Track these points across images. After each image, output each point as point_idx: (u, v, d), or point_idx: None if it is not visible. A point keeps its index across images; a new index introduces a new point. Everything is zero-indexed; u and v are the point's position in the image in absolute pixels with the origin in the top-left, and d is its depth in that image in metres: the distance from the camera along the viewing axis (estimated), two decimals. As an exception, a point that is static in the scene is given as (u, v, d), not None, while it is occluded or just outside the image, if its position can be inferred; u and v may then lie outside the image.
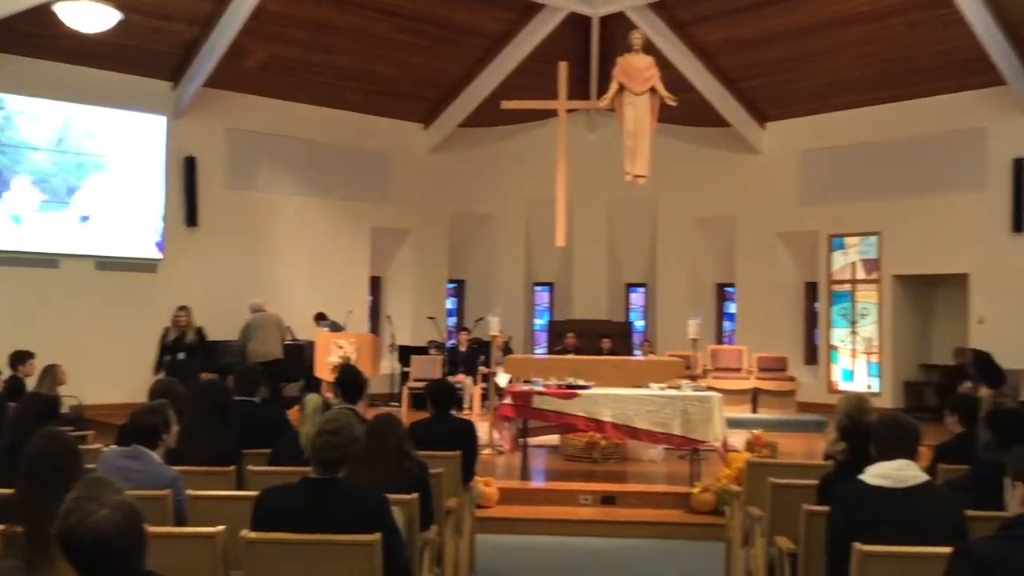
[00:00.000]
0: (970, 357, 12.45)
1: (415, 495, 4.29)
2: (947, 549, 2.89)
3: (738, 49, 14.48)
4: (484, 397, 12.61)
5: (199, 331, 11.23)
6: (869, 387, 13.89)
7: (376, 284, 16.33)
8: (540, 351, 16.72)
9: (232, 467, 5.00)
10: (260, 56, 13.72)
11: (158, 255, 13.54)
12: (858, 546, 3.43)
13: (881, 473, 3.67)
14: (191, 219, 13.80)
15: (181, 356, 10.88)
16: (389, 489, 3.99)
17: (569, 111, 12.55)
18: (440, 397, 6.19)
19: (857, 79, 14.07)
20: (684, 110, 13.20)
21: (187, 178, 13.77)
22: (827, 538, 3.79)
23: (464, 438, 6.01)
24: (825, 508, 3.99)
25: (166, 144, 13.59)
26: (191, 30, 12.81)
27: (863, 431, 4.26)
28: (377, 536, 3.47)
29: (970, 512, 3.74)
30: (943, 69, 13.24)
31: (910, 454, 3.76)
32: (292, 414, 5.94)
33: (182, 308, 11.23)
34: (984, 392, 11.91)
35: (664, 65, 12.87)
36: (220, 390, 5.66)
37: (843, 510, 3.70)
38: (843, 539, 3.55)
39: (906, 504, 3.59)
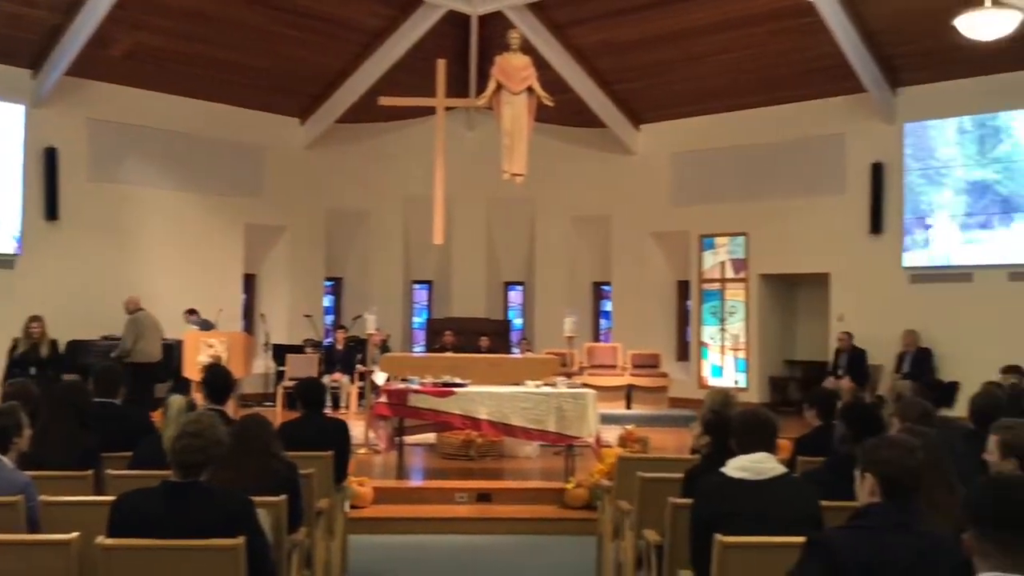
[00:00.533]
0: (847, 347, 13.08)
1: (283, 497, 4.20)
2: (802, 539, 3.00)
3: (613, 51, 14.74)
4: (361, 396, 12.47)
5: (53, 344, 10.66)
6: (736, 382, 14.36)
7: (250, 282, 15.95)
8: (418, 349, 16.66)
9: (90, 471, 4.80)
10: (126, 44, 13.21)
11: (15, 250, 12.88)
12: (719, 537, 3.53)
13: (741, 466, 3.79)
14: (51, 213, 13.16)
15: (32, 371, 10.20)
16: (256, 491, 3.90)
17: (448, 109, 12.54)
18: (310, 396, 6.08)
19: (724, 85, 14.53)
20: (561, 110, 13.36)
21: (47, 170, 13.13)
22: (691, 529, 3.89)
23: (336, 437, 5.93)
24: (690, 501, 4.10)
25: (24, 134, 12.93)
26: (54, 16, 12.22)
27: (726, 425, 4.38)
28: (240, 540, 3.38)
29: (825, 502, 3.89)
30: (806, 76, 13.78)
31: (769, 447, 3.89)
32: (156, 416, 5.74)
33: (35, 319, 10.64)
34: (845, 385, 12.51)
35: (542, 65, 13.01)
36: (78, 391, 5.41)
37: (705, 502, 3.81)
38: (705, 530, 3.64)
39: (764, 495, 3.72)
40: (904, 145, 13.32)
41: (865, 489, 3.03)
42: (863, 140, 13.72)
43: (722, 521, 3.64)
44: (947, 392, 7.27)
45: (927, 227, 13.15)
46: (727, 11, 13.12)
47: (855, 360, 13.17)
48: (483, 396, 8.64)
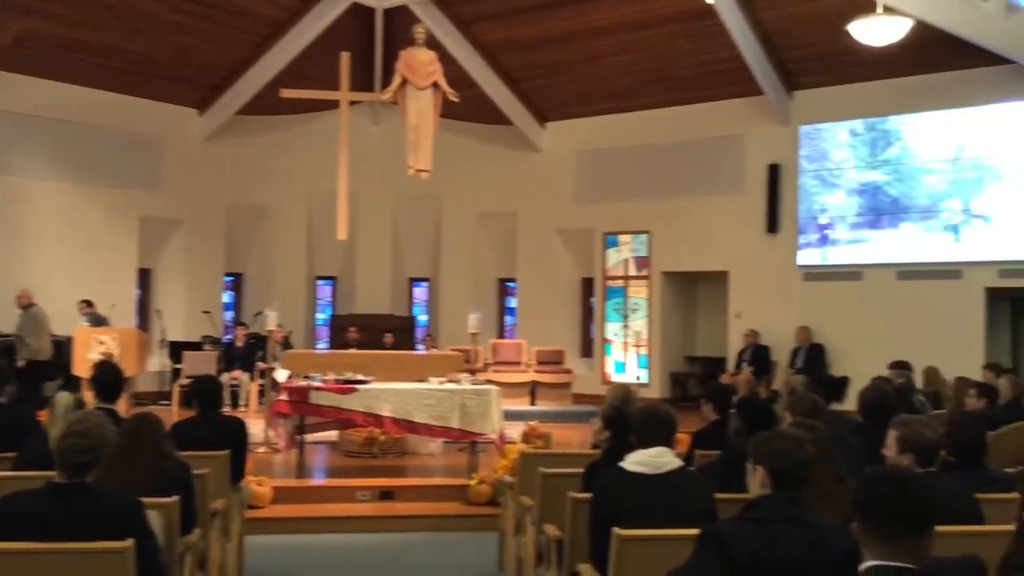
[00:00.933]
0: (752, 343, 13.42)
1: (175, 498, 4.09)
2: (697, 531, 3.05)
3: (518, 49, 14.80)
4: (261, 394, 12.23)
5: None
6: (638, 378, 14.56)
7: (145, 277, 15.48)
8: (322, 346, 16.44)
9: (-28, 473, 4.59)
10: (15, 31, 12.67)
11: None
12: (617, 530, 3.56)
13: (639, 460, 3.84)
14: (-68, 204, 12.57)
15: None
16: (147, 492, 3.80)
17: (352, 103, 12.39)
18: (205, 394, 5.93)
19: (627, 84, 14.74)
20: (467, 107, 13.35)
21: (-72, 159, 12.53)
22: (590, 524, 3.93)
23: (233, 436, 5.80)
24: (589, 495, 4.14)
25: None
26: (-64, 0, 11.68)
27: (626, 421, 4.44)
28: (129, 542, 3.27)
29: (720, 495, 3.97)
30: (706, 78, 14.07)
31: (666, 442, 3.95)
32: (43, 415, 5.52)
33: None
34: (742, 379, 12.84)
35: (448, 61, 12.96)
36: (-42, 391, 5.18)
37: (603, 496, 3.85)
38: (604, 524, 3.68)
39: (661, 489, 3.78)
40: (799, 147, 13.71)
41: (756, 481, 3.10)
42: (760, 141, 14.08)
43: (620, 515, 3.69)
44: (837, 387, 7.52)
45: (820, 227, 13.56)
46: (629, 12, 13.30)
47: (759, 356, 13.56)
48: (386, 393, 8.58)
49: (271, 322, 10.50)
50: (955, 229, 12.45)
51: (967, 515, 3.87)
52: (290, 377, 10.02)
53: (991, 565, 2.97)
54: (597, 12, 13.49)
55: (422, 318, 17.42)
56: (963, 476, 4.28)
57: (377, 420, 8.59)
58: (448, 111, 12.15)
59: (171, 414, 10.39)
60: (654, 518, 3.63)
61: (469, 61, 14.88)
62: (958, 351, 11.54)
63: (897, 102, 12.83)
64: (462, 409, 8.56)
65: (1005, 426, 7.00)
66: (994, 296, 12.41)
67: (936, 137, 12.58)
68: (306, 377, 9.10)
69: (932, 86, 12.51)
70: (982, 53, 11.55)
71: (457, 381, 9.01)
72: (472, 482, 8.02)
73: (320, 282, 17.26)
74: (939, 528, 3.56)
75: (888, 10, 10.07)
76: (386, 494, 8.12)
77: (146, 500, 3.62)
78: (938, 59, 12.08)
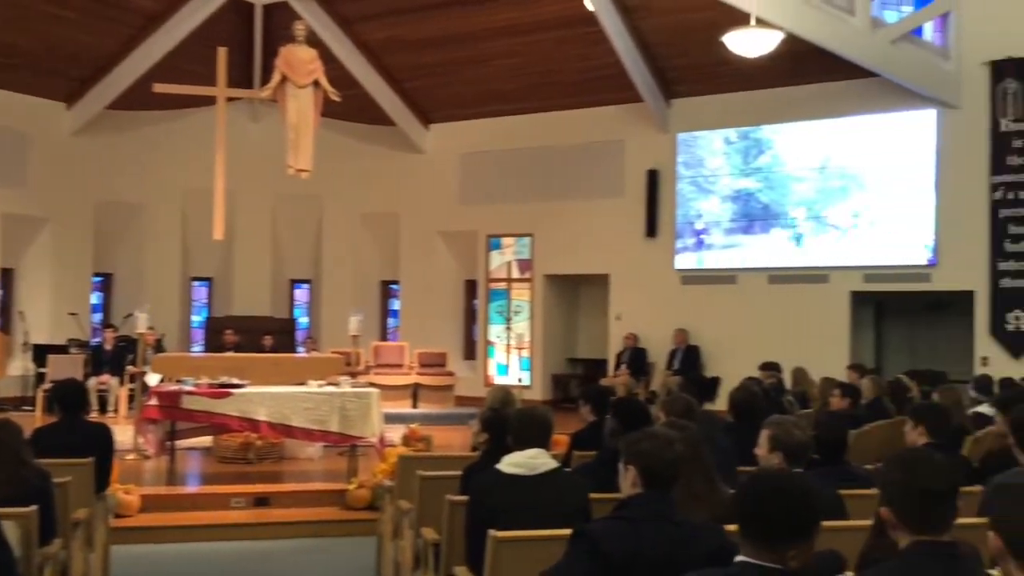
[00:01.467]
0: (632, 346, 13.63)
1: (33, 507, 3.89)
2: (569, 531, 3.07)
3: (402, 49, 14.71)
4: (131, 399, 11.79)
5: None
6: (521, 380, 14.65)
7: (8, 277, 14.72)
8: (197, 349, 15.97)
9: None
10: None
11: None
12: (492, 532, 3.56)
13: (515, 462, 3.85)
14: None
15: None
16: (4, 501, 3.63)
17: (230, 99, 12.07)
18: (68, 399, 5.66)
19: (511, 88, 14.83)
20: (350, 106, 13.20)
21: None
22: (466, 526, 3.92)
23: (98, 443, 5.55)
24: (466, 498, 4.12)
25: None
26: None
27: (504, 423, 4.44)
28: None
29: (596, 495, 4.01)
30: (589, 84, 14.28)
31: (542, 443, 3.97)
32: None
33: None
34: (621, 380, 13.06)
35: (329, 59, 12.79)
36: None
37: (479, 499, 3.84)
38: (480, 526, 3.67)
39: (537, 490, 3.79)
40: (677, 153, 14.04)
41: (628, 481, 3.14)
42: (640, 147, 14.36)
43: (496, 516, 3.68)
44: (709, 387, 7.74)
45: (696, 232, 13.91)
46: (513, 16, 13.39)
47: (636, 358, 13.82)
48: (262, 397, 8.36)
49: (142, 324, 10.13)
50: (822, 235, 12.95)
51: (831, 511, 4.01)
52: (161, 381, 9.68)
53: (853, 558, 3.09)
54: (482, 15, 13.54)
55: (303, 320, 17.12)
56: (826, 473, 4.44)
57: (253, 425, 8.36)
58: (330, 110, 11.99)
59: (34, 420, 9.90)
60: (529, 519, 3.63)
61: (351, 60, 14.71)
62: (825, 352, 12.01)
63: (769, 112, 13.27)
64: (342, 412, 8.43)
65: (867, 424, 7.29)
66: (859, 300, 12.96)
67: (805, 146, 13.07)
68: (178, 381, 8.81)
69: (802, 97, 12.99)
70: (849, 66, 12.05)
71: (337, 384, 8.86)
72: (351, 487, 7.91)
73: (195, 283, 16.77)
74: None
75: (760, 22, 10.40)
76: (261, 500, 7.93)
77: (2, 510, 3.44)
78: (808, 71, 12.54)
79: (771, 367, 9.93)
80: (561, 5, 12.98)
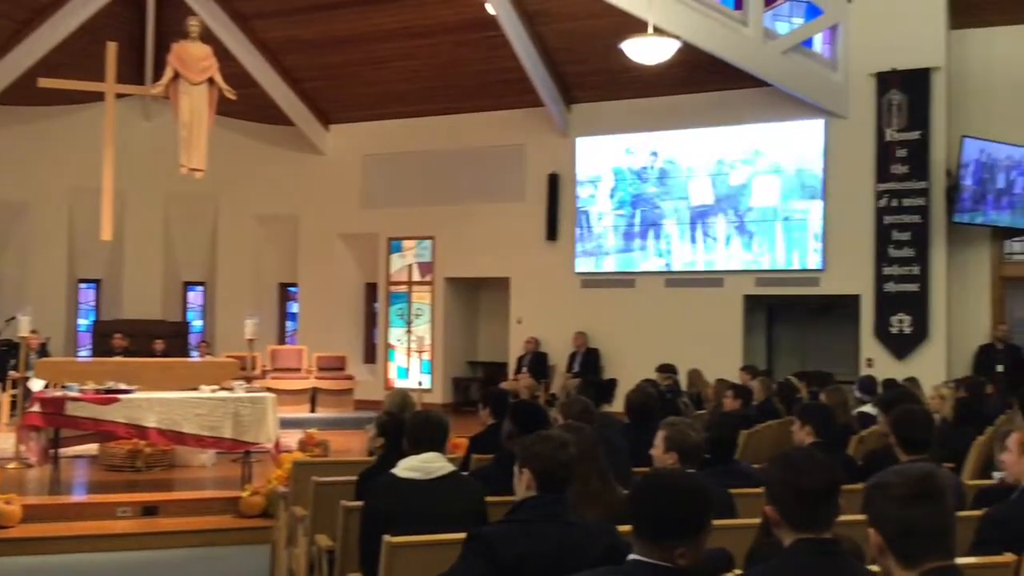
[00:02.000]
0: (532, 350, 13.68)
1: None
2: (463, 535, 3.06)
3: (301, 49, 14.49)
4: (14, 405, 11.30)
5: None
6: (421, 383, 14.57)
7: None
8: (84, 354, 15.41)
9: None
10: None
11: None
12: (386, 538, 3.52)
13: (410, 466, 3.82)
14: None
15: None
16: None
17: (121, 96, 11.71)
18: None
19: (412, 90, 14.76)
20: (247, 105, 12.96)
21: None
22: (360, 532, 3.86)
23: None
24: (361, 503, 4.06)
25: None
26: None
27: (400, 427, 4.40)
28: None
29: (493, 498, 4.00)
30: (490, 88, 14.31)
31: (438, 447, 3.95)
32: None
33: None
34: (524, 383, 13.10)
35: (226, 57, 12.54)
36: None
37: (374, 503, 3.80)
38: (374, 532, 3.63)
39: (433, 494, 3.77)
40: (576, 158, 14.17)
41: (522, 483, 3.14)
42: (541, 151, 14.45)
43: (391, 521, 3.64)
44: (606, 389, 7.83)
45: (596, 236, 14.05)
46: (413, 18, 13.34)
47: (537, 361, 13.90)
48: (152, 403, 8.11)
49: (24, 328, 9.73)
50: (716, 240, 13.24)
51: (721, 509, 4.09)
52: (46, 387, 9.31)
53: (743, 556, 3.15)
54: (383, 16, 13.44)
55: (197, 324, 16.70)
56: (717, 472, 4.53)
57: (141, 432, 8.10)
58: (226, 109, 11.72)
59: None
60: (425, 524, 3.60)
61: (249, 58, 14.42)
62: (720, 354, 12.27)
63: (666, 119, 13.50)
64: (235, 418, 8.24)
65: (759, 425, 7.48)
66: (751, 303, 13.30)
67: (701, 153, 13.35)
68: (63, 387, 8.48)
69: (698, 105, 13.26)
70: (743, 76, 12.36)
71: (231, 389, 8.67)
72: (244, 494, 7.72)
73: (82, 285, 16.19)
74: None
75: (658, 31, 10.58)
76: (149, 510, 7.67)
77: None
78: (704, 80, 12.81)
79: (667, 369, 10.11)
80: (461, 8, 12.97)
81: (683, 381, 10.69)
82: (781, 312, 14.10)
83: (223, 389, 8.63)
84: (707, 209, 13.32)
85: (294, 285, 16.65)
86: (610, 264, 13.95)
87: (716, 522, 3.86)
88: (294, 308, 16.78)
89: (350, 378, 14.13)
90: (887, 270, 11.96)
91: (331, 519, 4.56)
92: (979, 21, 12.05)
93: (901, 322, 11.89)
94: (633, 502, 2.48)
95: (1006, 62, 11.99)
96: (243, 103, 11.88)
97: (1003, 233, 12.09)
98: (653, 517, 2.39)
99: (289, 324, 16.98)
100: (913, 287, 11.82)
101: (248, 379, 9.71)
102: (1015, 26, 11.94)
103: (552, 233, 14.33)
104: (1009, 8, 11.81)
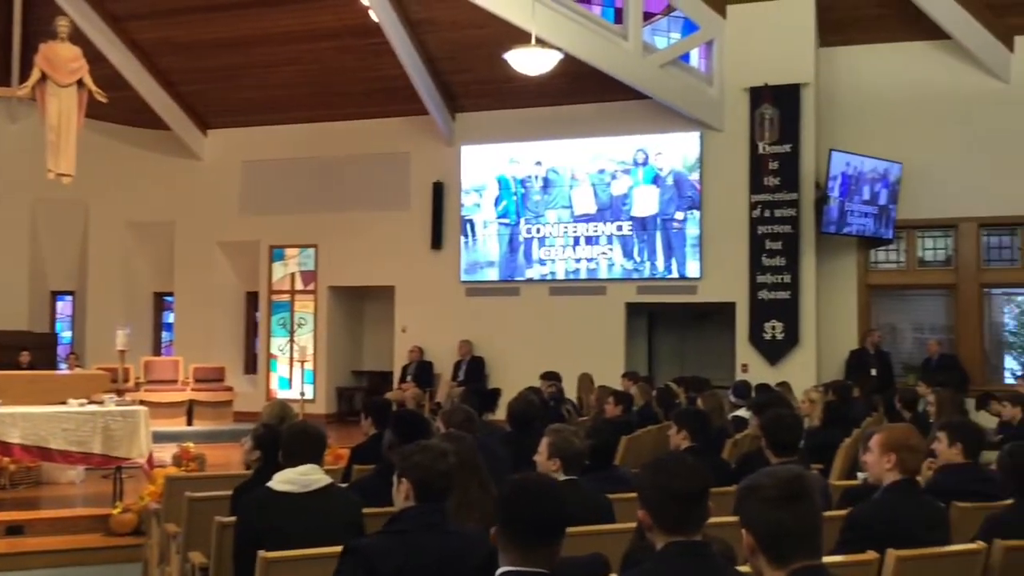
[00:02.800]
0: (417, 359, 13.68)
1: None
2: (339, 548, 3.01)
3: (177, 51, 14.09)
4: None
5: None
6: (303, 394, 14.29)
7: None
8: (-57, 367, 14.57)
9: None
10: None
11: None
12: (261, 553, 3.44)
13: (287, 479, 3.74)
14: None
15: None
16: None
17: (-18, 96, 11.16)
18: None
19: (294, 96, 14.54)
20: (120, 108, 12.57)
21: None
22: (234, 548, 3.77)
23: None
24: (235, 519, 3.96)
25: None
26: None
27: (277, 439, 4.31)
28: None
29: (373, 509, 3.96)
30: (374, 95, 14.21)
31: (315, 458, 3.88)
32: None
33: None
34: (410, 393, 13.01)
35: (98, 59, 12.10)
36: None
37: (248, 518, 3.71)
38: (248, 547, 3.55)
39: (309, 507, 3.70)
40: (461, 167, 14.18)
41: (401, 494, 3.13)
42: (425, 160, 14.42)
43: (267, 536, 3.57)
44: (490, 398, 7.86)
45: (481, 244, 14.08)
46: (295, 23, 13.13)
47: (422, 370, 13.84)
48: (15, 417, 7.74)
49: None
50: (600, 249, 13.44)
51: (600, 515, 4.15)
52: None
53: (621, 560, 3.20)
54: (263, 20, 13.18)
55: (66, 335, 16.01)
56: (597, 478, 4.60)
57: (4, 448, 7.72)
58: (98, 112, 11.31)
59: None
60: (301, 538, 3.53)
61: (122, 60, 13.95)
62: (603, 361, 12.45)
63: (550, 128, 13.64)
64: (105, 432, 7.93)
65: (639, 430, 7.62)
66: (633, 311, 13.55)
67: (584, 163, 13.54)
68: (-83, 403, 8.01)
69: (581, 115, 13.45)
70: (623, 88, 12.61)
71: (101, 402, 8.34)
72: (115, 511, 7.44)
73: (-58, 295, 15.32)
74: (574, 529, 3.79)
75: (540, 42, 10.70)
76: (14, 529, 7.31)
77: None
78: (586, 91, 13.01)
79: (551, 376, 10.19)
80: (344, 14, 12.84)
81: (569, 388, 10.80)
82: (661, 319, 14.42)
83: (93, 403, 8.31)
84: (589, 218, 13.52)
85: (170, 294, 16.15)
86: (495, 273, 14.01)
87: (595, 527, 3.95)
88: (170, 318, 16.27)
89: (229, 389, 13.78)
90: (760, 278, 12.36)
91: (205, 536, 4.44)
92: (845, 40, 12.61)
93: (774, 328, 12.30)
94: (497, 511, 2.50)
95: (870, 79, 12.57)
96: (116, 106, 11.49)
97: (868, 242, 12.66)
98: (515, 523, 2.42)
99: (165, 334, 16.45)
100: (785, 295, 12.25)
101: (120, 392, 9.34)
102: (878, 44, 12.53)
103: (437, 242, 14.31)
104: (872, 28, 12.39)
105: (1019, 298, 12.95)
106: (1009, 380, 12.18)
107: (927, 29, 11.93)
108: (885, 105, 12.44)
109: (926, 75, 12.33)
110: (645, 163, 13.24)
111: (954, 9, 11.61)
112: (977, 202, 12.11)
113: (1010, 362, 12.90)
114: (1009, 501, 3.88)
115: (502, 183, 14.01)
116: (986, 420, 8.99)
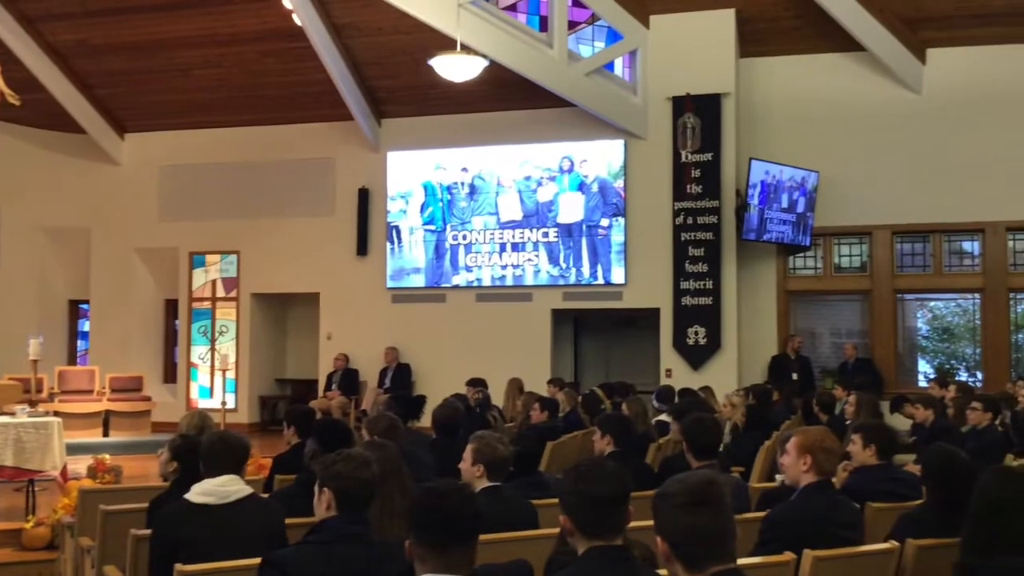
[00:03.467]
0: (343, 367, 13.59)
1: None
2: (258, 560, 2.96)
3: (93, 53, 13.73)
4: None
5: None
6: (225, 403, 13.99)
7: None
8: None
9: None
10: None
11: None
12: (178, 567, 3.37)
13: (204, 490, 3.67)
14: None
15: None
16: None
17: None
18: None
19: (215, 100, 14.29)
20: (34, 111, 12.27)
21: None
22: (150, 562, 3.68)
23: None
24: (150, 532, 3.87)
25: None
26: None
27: (195, 449, 4.23)
28: None
29: (295, 520, 3.90)
30: (298, 100, 14.05)
31: (235, 469, 3.81)
32: None
33: None
34: (336, 402, 12.89)
35: (10, 60, 11.78)
36: None
37: (164, 531, 3.63)
38: (165, 561, 3.47)
39: (229, 519, 3.63)
40: (387, 173, 14.10)
41: (322, 504, 3.09)
42: (351, 165, 14.29)
43: (184, 549, 3.49)
44: (415, 405, 7.85)
45: (407, 251, 14.00)
46: (216, 25, 12.91)
47: (348, 378, 13.71)
48: (-80, 431, 7.45)
49: None
50: (527, 255, 13.49)
51: (525, 521, 4.16)
52: None
53: (544, 566, 3.21)
54: (182, 22, 12.92)
55: (-25, 344, 15.46)
56: (522, 484, 4.61)
57: (-92, 463, 7.43)
58: (10, 115, 10.98)
59: None
60: (219, 550, 3.47)
61: (36, 62, 13.52)
62: (529, 367, 12.45)
63: (476, 135, 13.65)
64: (17, 444, 7.68)
65: (564, 436, 7.66)
66: (559, 316, 13.63)
67: (510, 169, 13.58)
68: None
69: (507, 122, 13.49)
70: (549, 95, 12.68)
71: (13, 413, 8.07)
72: (27, 525, 7.21)
73: None
74: (498, 535, 3.79)
75: (466, 49, 10.71)
76: (-82, 548, 7.04)
77: None
78: (512, 98, 13.06)
79: (477, 383, 10.17)
80: (267, 17, 12.65)
81: (495, 394, 10.78)
82: (587, 325, 14.53)
83: (4, 414, 8.04)
84: (516, 224, 13.56)
85: (86, 302, 15.72)
86: (421, 280, 13.95)
87: (519, 533, 3.96)
88: (86, 326, 15.84)
89: (147, 399, 13.47)
90: (684, 284, 12.54)
91: (121, 550, 4.33)
92: (765, 51, 12.89)
93: (697, 334, 12.49)
94: (415, 517, 2.48)
95: (788, 89, 12.88)
96: (29, 109, 11.20)
97: (787, 249, 12.94)
98: (433, 524, 2.41)
99: (80, 343, 16.01)
100: (707, 300, 12.45)
101: (32, 402, 9.07)
102: (796, 56, 12.84)
103: (363, 248, 14.19)
104: (790, 39, 12.69)
105: (931, 303, 13.39)
106: (922, 383, 12.56)
107: (843, 41, 12.26)
108: (803, 115, 12.75)
109: (842, 86, 12.67)
110: (571, 170, 13.33)
111: (869, 22, 11.95)
112: (891, 210, 12.48)
113: (923, 365, 13.33)
114: (920, 501, 3.99)
115: (428, 189, 13.97)
116: (900, 422, 9.27)
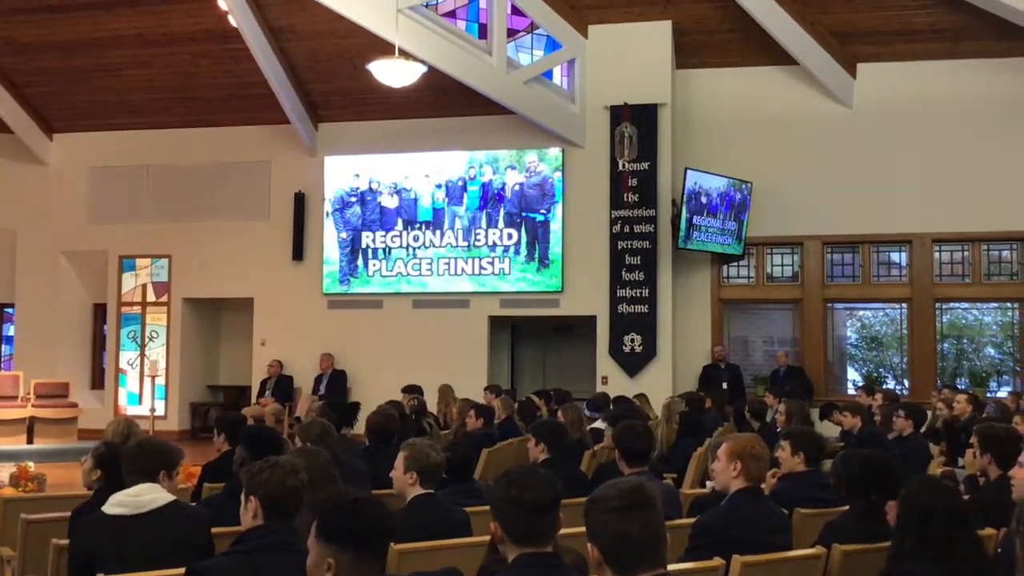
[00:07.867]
0: (276, 373, 13.50)
1: None
2: (180, 570, 2.90)
3: (21, 52, 13.40)
4: None
5: None
6: (154, 410, 13.72)
7: None
8: None
9: None
10: None
11: None
12: (96, 578, 3.27)
13: (119, 501, 3.57)
14: None
15: None
16: None
17: None
18: None
19: (147, 101, 14.06)
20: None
21: None
22: (68, 573, 3.57)
23: None
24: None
25: None
26: None
27: (118, 457, 4.12)
28: None
29: (221, 528, 3.82)
30: (233, 102, 13.85)
31: (154, 477, 3.72)
32: None
33: None
34: (269, 409, 12.68)
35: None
36: None
37: (79, 542, 3.53)
38: (83, 572, 3.37)
39: (145, 529, 3.53)
40: (324, 177, 13.96)
41: (249, 512, 3.03)
42: (287, 170, 14.12)
43: (101, 561, 3.39)
44: (349, 412, 7.76)
45: (344, 256, 13.88)
46: (149, 26, 12.69)
47: (282, 384, 13.52)
48: None
49: None
50: (463, 261, 13.47)
51: (457, 528, 4.13)
52: None
53: (476, 574, 3.18)
54: (113, 21, 12.68)
55: None
56: (455, 491, 4.58)
57: None
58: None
59: None
60: (137, 562, 3.35)
61: (-40, 59, 13.17)
62: (466, 374, 12.40)
63: (414, 140, 13.58)
64: (-67, 453, 7.42)
65: (500, 443, 7.64)
66: (496, 324, 13.62)
67: (448, 175, 13.55)
68: None
69: (445, 128, 13.46)
70: (488, 102, 12.69)
71: (-71, 421, 7.80)
72: (-56, 537, 6.95)
73: None
74: (430, 543, 3.76)
75: (404, 54, 10.65)
76: None
77: None
78: (450, 104, 13.04)
79: (413, 390, 10.11)
80: (201, 18, 12.46)
81: (431, 401, 10.72)
82: (524, 332, 14.54)
83: (-80, 421, 7.76)
84: (455, 231, 13.52)
85: (10, 306, 15.29)
86: (358, 285, 13.83)
87: (451, 541, 3.93)
88: (10, 331, 15.40)
89: (74, 406, 13.12)
90: (620, 292, 12.63)
91: (43, 560, 4.21)
92: (701, 62, 13.08)
93: (632, 341, 12.58)
94: (323, 529, 2.43)
95: (723, 100, 13.07)
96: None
97: (721, 258, 13.12)
98: (345, 539, 2.37)
99: (4, 348, 15.56)
100: (643, 308, 12.56)
101: (-48, 410, 8.80)
102: (731, 68, 13.04)
103: (299, 253, 14.03)
104: (725, 52, 12.90)
105: (860, 312, 13.68)
106: (851, 391, 12.82)
107: (777, 55, 12.49)
108: (737, 126, 12.95)
109: (776, 98, 12.90)
110: (509, 177, 13.34)
111: (801, 36, 12.19)
112: (821, 221, 12.72)
113: (852, 373, 13.61)
114: (846, 507, 4.06)
115: (366, 195, 13.86)
116: (829, 429, 9.43)
